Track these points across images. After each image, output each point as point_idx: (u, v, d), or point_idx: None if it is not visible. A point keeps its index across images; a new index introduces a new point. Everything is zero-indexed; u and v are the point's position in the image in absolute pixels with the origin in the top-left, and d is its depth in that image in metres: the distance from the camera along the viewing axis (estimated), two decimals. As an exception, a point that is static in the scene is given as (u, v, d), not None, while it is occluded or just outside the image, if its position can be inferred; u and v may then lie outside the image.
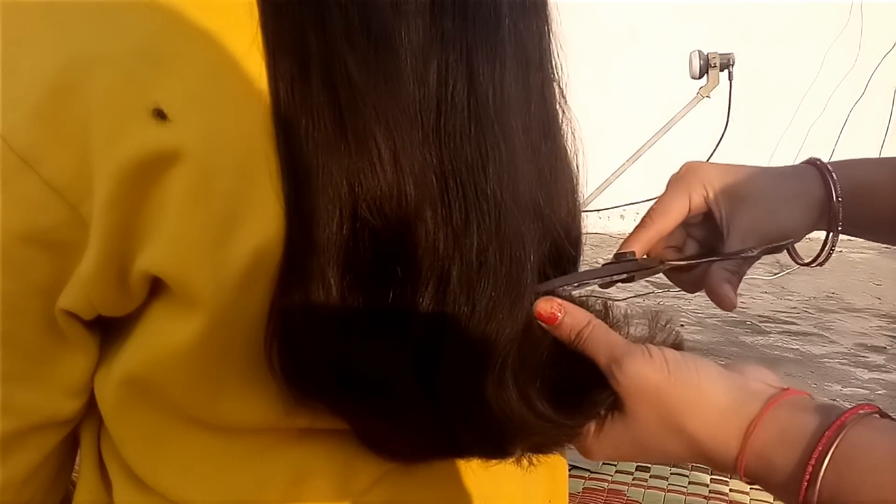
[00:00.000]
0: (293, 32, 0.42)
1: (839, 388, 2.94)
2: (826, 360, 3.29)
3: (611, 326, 0.52)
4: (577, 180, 0.55)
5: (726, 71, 3.12)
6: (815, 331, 3.68)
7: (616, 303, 0.60)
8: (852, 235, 0.68)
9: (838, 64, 5.57)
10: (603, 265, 0.58)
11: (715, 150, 3.25)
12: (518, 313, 0.46)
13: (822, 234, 0.67)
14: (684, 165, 0.67)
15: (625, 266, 0.59)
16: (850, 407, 0.44)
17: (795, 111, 5.60)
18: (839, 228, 0.65)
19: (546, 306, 0.50)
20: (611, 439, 0.50)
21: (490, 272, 0.45)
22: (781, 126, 5.57)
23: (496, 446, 0.50)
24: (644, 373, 0.48)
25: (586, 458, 0.53)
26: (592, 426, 0.50)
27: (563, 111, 0.54)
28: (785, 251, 0.66)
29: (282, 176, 0.42)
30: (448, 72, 0.44)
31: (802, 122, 5.57)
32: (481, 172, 0.44)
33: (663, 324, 0.53)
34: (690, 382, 0.48)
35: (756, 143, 5.37)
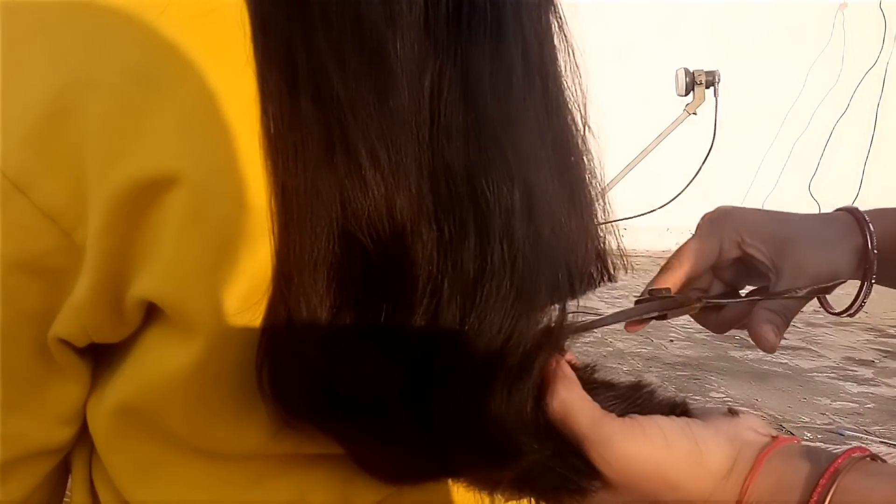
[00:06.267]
0: (281, 49, 0.41)
1: (828, 401, 2.95)
2: (815, 374, 3.30)
3: (590, 389, 0.48)
4: (597, 194, 0.53)
5: (712, 88, 3.16)
6: (804, 345, 3.69)
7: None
8: (883, 285, 0.66)
9: (822, 80, 5.63)
10: (636, 302, 0.56)
11: (702, 166, 3.27)
12: (525, 326, 0.44)
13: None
14: (717, 209, 0.65)
15: (662, 304, 0.57)
16: (842, 451, 0.44)
17: (780, 127, 5.64)
18: (873, 279, 0.64)
19: None
20: None
21: (486, 285, 0.43)
22: (767, 141, 5.61)
23: (496, 463, 0.47)
24: (643, 452, 0.46)
25: None
26: None
27: (583, 123, 0.52)
28: (816, 299, 0.65)
29: (273, 196, 0.41)
30: (442, 81, 0.43)
31: (787, 138, 5.62)
32: (476, 183, 0.43)
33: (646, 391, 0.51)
34: (692, 456, 0.46)
35: (742, 158, 5.41)
